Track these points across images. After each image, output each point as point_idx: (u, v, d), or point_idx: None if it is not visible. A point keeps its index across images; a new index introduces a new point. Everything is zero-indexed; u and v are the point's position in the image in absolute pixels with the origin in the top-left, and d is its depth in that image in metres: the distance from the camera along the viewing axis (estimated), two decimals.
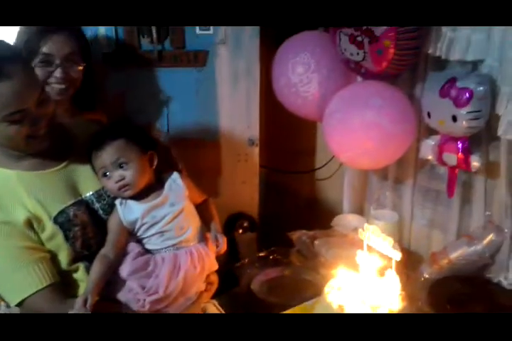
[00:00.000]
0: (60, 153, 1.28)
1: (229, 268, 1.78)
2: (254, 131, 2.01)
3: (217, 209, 1.55)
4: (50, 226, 1.20)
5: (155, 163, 1.33)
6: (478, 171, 1.54)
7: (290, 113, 1.90)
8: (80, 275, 1.26)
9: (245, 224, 2.03)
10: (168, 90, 1.92)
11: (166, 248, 1.30)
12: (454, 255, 1.57)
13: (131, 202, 1.30)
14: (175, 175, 1.36)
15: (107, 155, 1.25)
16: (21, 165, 1.22)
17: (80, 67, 1.58)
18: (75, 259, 1.24)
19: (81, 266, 1.26)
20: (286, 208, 2.27)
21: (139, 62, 1.86)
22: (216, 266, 1.40)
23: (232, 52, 1.90)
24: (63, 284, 1.22)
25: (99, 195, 1.31)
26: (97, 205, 1.30)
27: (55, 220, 1.20)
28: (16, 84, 1.08)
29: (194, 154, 1.97)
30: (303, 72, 1.75)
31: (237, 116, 1.98)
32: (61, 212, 1.21)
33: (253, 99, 1.97)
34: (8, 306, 1.35)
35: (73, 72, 1.56)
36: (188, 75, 1.90)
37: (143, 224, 1.29)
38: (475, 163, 1.49)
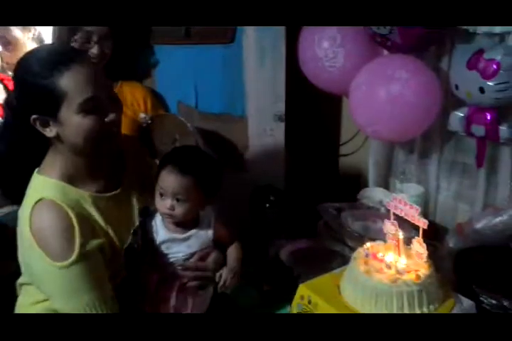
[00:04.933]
0: (116, 175, 1.28)
1: (257, 239, 1.83)
2: (281, 106, 2.03)
3: (244, 183, 1.58)
4: (118, 254, 1.21)
5: (207, 206, 1.34)
6: (505, 142, 1.55)
7: (316, 88, 1.91)
8: None
9: (272, 198, 2.06)
10: (195, 67, 1.96)
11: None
12: (479, 225, 1.59)
13: (160, 224, 1.32)
14: (210, 219, 1.36)
15: (169, 184, 1.26)
16: (90, 187, 1.20)
17: (111, 43, 1.70)
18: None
19: None
20: (313, 182, 2.30)
21: (166, 39, 1.89)
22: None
23: (258, 28, 1.91)
24: None
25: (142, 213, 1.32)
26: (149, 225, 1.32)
27: (125, 253, 1.23)
28: (84, 70, 1.09)
29: (222, 129, 2.02)
30: (328, 47, 1.77)
31: (264, 91, 2.01)
32: (128, 246, 1.24)
33: (279, 75, 1.99)
34: None
35: (107, 49, 1.68)
36: (215, 52, 1.93)
37: (160, 248, 1.31)
38: (503, 133, 1.50)
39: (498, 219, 1.57)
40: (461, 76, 1.52)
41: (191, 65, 1.96)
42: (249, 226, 1.92)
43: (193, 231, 1.33)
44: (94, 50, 1.63)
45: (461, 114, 1.59)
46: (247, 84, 2.00)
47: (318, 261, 1.69)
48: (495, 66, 1.41)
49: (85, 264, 1.11)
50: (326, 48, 1.77)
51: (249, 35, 1.92)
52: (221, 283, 1.33)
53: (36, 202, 1.12)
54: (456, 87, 1.55)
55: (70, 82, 1.07)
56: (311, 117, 2.35)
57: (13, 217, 1.21)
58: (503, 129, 1.49)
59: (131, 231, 1.28)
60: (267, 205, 2.07)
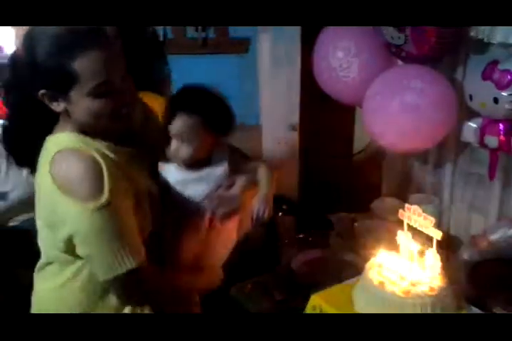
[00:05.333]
0: (128, 134, 1.24)
1: (270, 248, 1.83)
2: (295, 116, 2.04)
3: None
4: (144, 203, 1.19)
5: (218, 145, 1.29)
6: None
7: (329, 98, 1.92)
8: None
9: (285, 207, 2.07)
10: (211, 76, 1.97)
11: None
12: (494, 237, 1.58)
13: (174, 166, 1.28)
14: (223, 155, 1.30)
15: (175, 125, 1.23)
16: (108, 147, 1.17)
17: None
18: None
19: None
20: (325, 192, 2.30)
21: (183, 49, 1.92)
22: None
23: (273, 38, 1.94)
24: None
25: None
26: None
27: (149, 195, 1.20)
28: (100, 55, 1.08)
29: (235, 138, 2.02)
30: (343, 57, 1.77)
31: (278, 101, 2.02)
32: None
33: (294, 84, 2.01)
34: None
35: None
36: (231, 61, 1.95)
37: (175, 190, 1.28)
38: None
39: None
40: (475, 86, 1.52)
41: (207, 75, 1.98)
42: (262, 235, 1.91)
43: (206, 171, 1.28)
44: None
45: (475, 125, 1.59)
46: (262, 93, 2.01)
47: (330, 271, 1.69)
48: (509, 76, 1.41)
49: (116, 207, 1.09)
50: (341, 58, 1.77)
51: (264, 45, 1.94)
52: (254, 215, 1.25)
53: (55, 154, 1.11)
54: (471, 97, 1.55)
55: (83, 66, 1.06)
56: (325, 127, 2.36)
57: (33, 223, 1.21)
58: None
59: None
60: (280, 214, 2.08)
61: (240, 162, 1.31)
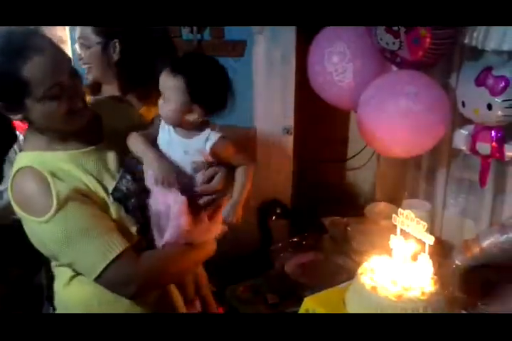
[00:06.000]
0: (95, 131, 1.30)
1: (264, 251, 1.84)
2: (289, 120, 2.05)
3: (251, 196, 1.58)
4: (110, 202, 1.23)
5: (194, 117, 1.24)
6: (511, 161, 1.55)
7: (324, 102, 1.93)
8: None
9: (278, 211, 2.08)
10: None
11: None
12: (485, 243, 1.58)
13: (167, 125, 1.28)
14: (214, 133, 1.27)
15: (160, 81, 1.22)
16: (68, 146, 1.24)
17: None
18: (140, 230, 1.26)
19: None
20: (319, 196, 2.31)
21: (179, 51, 1.91)
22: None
23: (269, 42, 1.94)
24: None
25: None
26: (139, 167, 1.30)
27: (113, 196, 1.23)
28: (48, 57, 1.12)
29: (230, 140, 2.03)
30: (338, 62, 1.78)
31: (273, 105, 2.03)
32: (116, 189, 1.24)
33: (289, 88, 2.01)
34: (52, 306, 1.42)
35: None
36: (226, 64, 1.95)
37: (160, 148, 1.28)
38: (509, 152, 1.50)
39: (504, 237, 1.57)
40: (469, 93, 1.53)
41: None
42: (256, 238, 1.92)
43: (191, 138, 1.26)
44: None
45: (466, 132, 1.60)
46: (256, 96, 2.01)
47: (323, 275, 1.69)
48: (504, 83, 1.42)
49: (72, 208, 1.16)
50: (336, 63, 1.78)
51: (259, 47, 1.95)
52: (225, 217, 1.27)
53: (15, 172, 1.19)
54: (463, 104, 1.56)
55: (31, 73, 1.10)
56: (320, 131, 2.37)
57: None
58: (509, 148, 1.49)
59: (118, 177, 1.27)
60: (274, 218, 2.09)
61: (227, 152, 1.29)
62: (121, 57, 1.57)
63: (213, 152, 1.26)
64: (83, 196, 1.19)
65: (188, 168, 1.27)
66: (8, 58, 1.10)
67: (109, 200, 1.23)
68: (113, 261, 1.15)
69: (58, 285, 1.31)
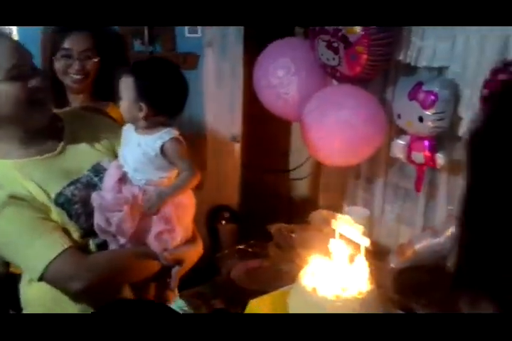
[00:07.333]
0: (54, 139, 1.34)
1: (210, 258, 1.87)
2: (237, 128, 2.11)
3: (200, 201, 1.62)
4: (52, 208, 1.25)
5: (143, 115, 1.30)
6: (442, 169, 1.67)
7: (270, 114, 2.00)
8: (90, 251, 1.30)
9: (227, 215, 2.12)
10: None
11: None
12: (418, 246, 1.69)
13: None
14: (171, 131, 1.32)
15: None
16: (18, 154, 1.27)
17: (95, 61, 1.76)
18: (84, 235, 1.29)
19: (90, 241, 1.31)
20: (265, 203, 2.37)
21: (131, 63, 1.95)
22: None
23: (217, 55, 2.01)
24: None
25: (95, 170, 1.35)
26: (95, 179, 1.34)
27: (56, 202, 1.26)
28: (7, 42, 1.20)
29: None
30: (283, 75, 1.86)
31: (222, 114, 2.09)
32: (59, 194, 1.26)
33: (236, 98, 2.08)
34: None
35: (89, 65, 1.75)
36: None
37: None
38: (440, 160, 1.61)
39: (435, 241, 1.67)
40: (402, 106, 1.64)
41: None
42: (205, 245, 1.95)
43: (147, 135, 1.32)
44: (75, 66, 1.71)
45: (403, 142, 1.71)
46: (206, 105, 2.07)
47: (269, 281, 1.74)
48: (433, 97, 1.53)
49: (9, 212, 1.20)
50: (281, 77, 1.86)
51: (209, 61, 2.01)
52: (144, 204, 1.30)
53: None
54: (399, 116, 1.67)
55: None
56: (266, 140, 2.44)
57: None
58: (440, 156, 1.61)
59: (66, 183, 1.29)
60: (222, 222, 2.13)
61: (175, 154, 1.32)
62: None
63: (163, 151, 1.31)
64: (22, 200, 1.22)
65: (139, 159, 1.32)
66: None
67: (52, 205, 1.25)
68: (55, 258, 1.18)
69: (23, 280, 1.33)
